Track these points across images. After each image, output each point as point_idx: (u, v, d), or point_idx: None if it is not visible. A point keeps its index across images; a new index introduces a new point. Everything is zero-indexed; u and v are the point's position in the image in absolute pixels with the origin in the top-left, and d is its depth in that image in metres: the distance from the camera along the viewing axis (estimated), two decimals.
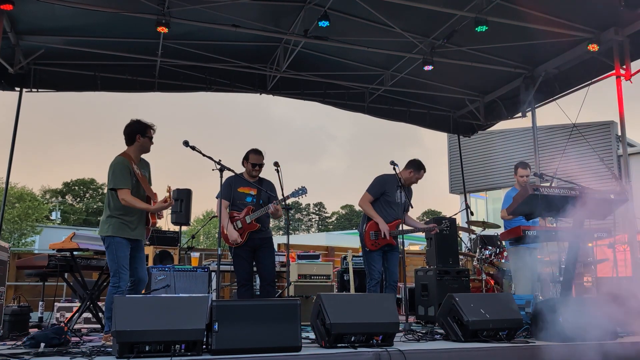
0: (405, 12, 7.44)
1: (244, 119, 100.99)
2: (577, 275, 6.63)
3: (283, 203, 5.61)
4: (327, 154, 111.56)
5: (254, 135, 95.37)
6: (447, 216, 7.65)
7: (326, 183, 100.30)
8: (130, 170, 4.73)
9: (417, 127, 11.22)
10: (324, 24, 7.21)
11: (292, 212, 6.07)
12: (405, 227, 6.20)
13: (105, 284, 6.21)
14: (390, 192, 6.07)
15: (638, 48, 7.68)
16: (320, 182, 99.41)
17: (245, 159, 5.84)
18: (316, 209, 73.48)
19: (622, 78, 7.62)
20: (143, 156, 5.02)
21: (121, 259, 4.65)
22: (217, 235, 5.67)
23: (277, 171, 5.62)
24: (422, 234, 7.92)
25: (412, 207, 6.32)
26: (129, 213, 4.73)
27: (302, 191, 5.73)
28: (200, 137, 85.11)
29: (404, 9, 7.21)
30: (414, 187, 6.41)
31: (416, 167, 6.18)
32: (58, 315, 6.35)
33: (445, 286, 6.74)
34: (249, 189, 5.81)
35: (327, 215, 73.96)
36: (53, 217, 46.92)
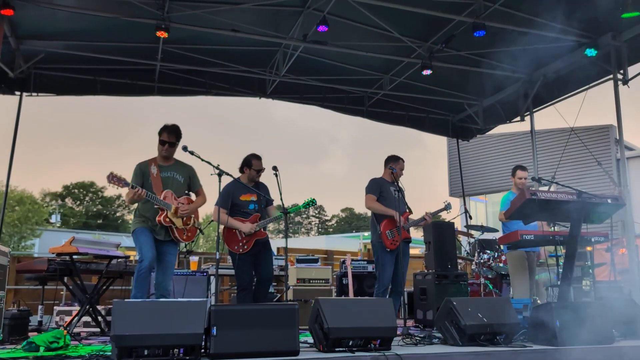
0: (403, 17, 7.48)
1: (246, 121, 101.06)
2: (574, 279, 6.65)
3: (282, 209, 5.66)
4: (328, 157, 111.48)
5: (255, 137, 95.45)
6: (447, 220, 7.68)
7: (327, 186, 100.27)
8: (144, 172, 5.03)
9: (419, 130, 11.25)
10: (322, 28, 7.24)
11: (291, 215, 6.19)
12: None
13: (104, 287, 6.24)
14: (385, 190, 6.21)
15: (635, 53, 7.73)
16: (321, 184, 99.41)
17: (247, 165, 5.88)
18: (316, 212, 73.49)
19: (619, 82, 7.67)
20: (185, 160, 5.32)
21: (141, 243, 4.90)
22: (216, 238, 5.70)
23: (276, 175, 5.67)
24: (421, 237, 7.94)
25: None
26: (144, 212, 5.02)
27: (312, 203, 5.94)
28: (202, 140, 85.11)
29: (403, 14, 7.24)
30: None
31: (394, 160, 6.33)
32: (57, 319, 6.36)
33: (443, 290, 6.75)
34: (250, 195, 5.85)
35: (327, 218, 73.95)
36: (53, 220, 46.92)
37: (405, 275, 6.14)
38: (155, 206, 4.90)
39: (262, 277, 5.83)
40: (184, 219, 5.09)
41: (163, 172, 5.06)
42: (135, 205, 5.16)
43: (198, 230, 5.33)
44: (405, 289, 6.71)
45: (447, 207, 6.52)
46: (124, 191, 4.89)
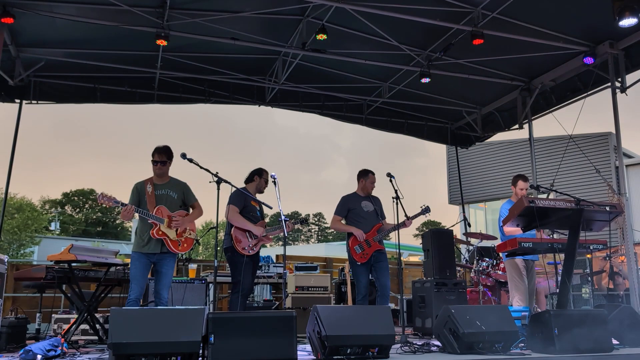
0: (402, 26, 7.51)
1: (247, 128, 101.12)
2: (573, 287, 6.65)
3: (282, 217, 5.70)
4: (330, 164, 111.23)
5: (257, 144, 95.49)
6: (445, 227, 7.69)
7: (328, 193, 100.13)
8: (140, 191, 5.26)
9: (417, 138, 11.26)
10: (322, 37, 7.27)
11: (297, 226, 6.40)
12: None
13: (102, 295, 6.23)
14: (354, 206, 6.41)
15: (632, 61, 7.76)
16: (322, 192, 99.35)
17: (258, 174, 6.15)
18: (316, 219, 73.38)
19: (617, 90, 7.69)
20: (178, 177, 5.48)
21: (132, 270, 5.12)
22: (214, 246, 5.74)
23: (275, 183, 5.72)
24: (420, 245, 7.94)
25: (384, 218, 6.57)
26: (141, 230, 5.19)
27: (305, 221, 6.28)
28: (202, 147, 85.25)
29: (401, 23, 7.27)
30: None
31: (363, 174, 6.54)
32: (55, 327, 6.35)
33: (442, 298, 6.76)
34: (255, 203, 6.06)
35: (326, 225, 73.79)
36: (52, 227, 46.88)
37: (387, 277, 6.19)
38: (149, 221, 5.11)
39: (251, 285, 6.08)
40: (178, 231, 5.25)
41: (157, 190, 5.29)
42: (135, 224, 5.34)
43: (195, 241, 5.46)
44: (404, 297, 6.71)
45: (425, 210, 6.47)
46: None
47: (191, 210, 5.48)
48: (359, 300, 6.18)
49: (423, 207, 6.46)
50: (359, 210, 6.38)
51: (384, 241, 6.47)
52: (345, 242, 6.52)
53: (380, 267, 6.22)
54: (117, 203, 4.96)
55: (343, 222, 6.44)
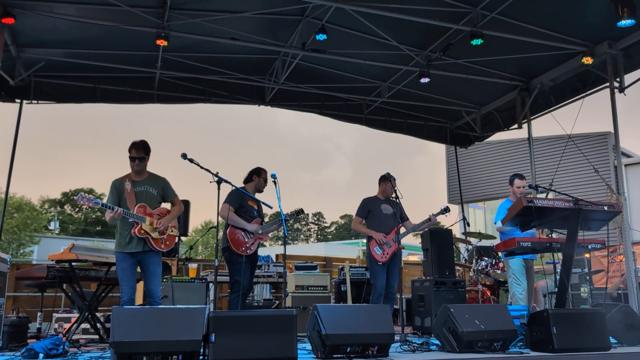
0: (401, 26, 7.54)
1: (248, 127, 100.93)
2: (571, 286, 6.68)
3: (282, 216, 5.73)
4: (331, 163, 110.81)
5: (258, 144, 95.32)
6: (445, 226, 7.72)
7: (328, 192, 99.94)
8: (118, 189, 5.14)
9: (417, 137, 11.30)
10: (321, 37, 7.30)
11: (290, 222, 6.37)
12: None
13: (103, 294, 6.26)
14: (374, 209, 6.60)
15: (631, 61, 7.78)
16: (323, 191, 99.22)
17: (257, 174, 6.18)
18: (315, 218, 73.40)
19: (616, 90, 7.72)
20: (156, 172, 5.37)
21: (120, 272, 5.03)
22: (214, 245, 5.75)
23: (275, 183, 5.74)
24: (419, 245, 7.97)
25: (407, 219, 6.73)
26: (122, 228, 5.09)
27: (301, 211, 6.24)
28: (204, 147, 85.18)
29: (401, 23, 7.30)
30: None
31: (384, 179, 6.68)
32: (56, 326, 6.37)
33: (441, 297, 6.79)
34: (253, 203, 6.08)
35: (326, 225, 73.86)
36: (52, 227, 46.87)
37: (396, 281, 6.40)
38: (130, 220, 5.01)
39: (250, 284, 6.15)
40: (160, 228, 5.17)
41: (136, 187, 5.17)
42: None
43: (177, 238, 5.39)
44: (403, 296, 6.75)
45: (445, 210, 6.76)
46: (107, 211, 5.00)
47: (171, 206, 5.38)
48: (375, 298, 6.34)
49: (442, 208, 6.78)
50: (378, 212, 6.58)
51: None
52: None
53: (393, 270, 6.43)
54: (97, 204, 4.85)
55: (363, 223, 6.65)
